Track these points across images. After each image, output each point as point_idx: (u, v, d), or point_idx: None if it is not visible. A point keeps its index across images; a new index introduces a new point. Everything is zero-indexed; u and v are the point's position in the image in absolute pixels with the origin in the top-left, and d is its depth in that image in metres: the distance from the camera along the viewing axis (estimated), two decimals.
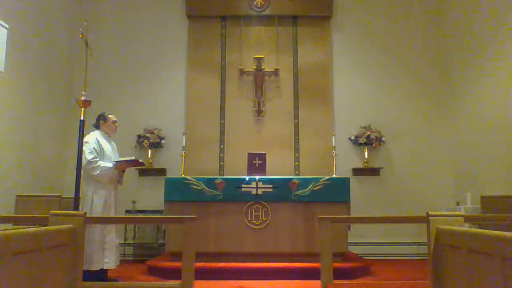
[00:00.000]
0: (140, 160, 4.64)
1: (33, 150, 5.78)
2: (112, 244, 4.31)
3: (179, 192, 5.07)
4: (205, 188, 5.05)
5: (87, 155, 4.27)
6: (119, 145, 4.99)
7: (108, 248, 4.25)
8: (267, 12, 7.00)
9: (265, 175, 5.25)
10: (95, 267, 4.13)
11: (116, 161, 4.46)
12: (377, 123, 6.81)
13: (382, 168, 6.74)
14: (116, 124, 4.69)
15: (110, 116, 4.63)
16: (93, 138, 4.43)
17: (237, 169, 6.38)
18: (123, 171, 4.62)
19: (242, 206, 5.03)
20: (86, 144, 4.32)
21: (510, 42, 5.29)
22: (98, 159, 4.33)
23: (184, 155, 5.87)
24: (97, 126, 4.62)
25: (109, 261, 4.24)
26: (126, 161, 4.55)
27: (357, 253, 5.92)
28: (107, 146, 4.53)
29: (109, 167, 4.36)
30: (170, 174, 6.56)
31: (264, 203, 5.03)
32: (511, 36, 5.29)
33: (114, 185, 4.50)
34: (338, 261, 4.65)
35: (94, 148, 4.34)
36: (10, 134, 5.31)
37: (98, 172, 4.28)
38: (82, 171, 4.36)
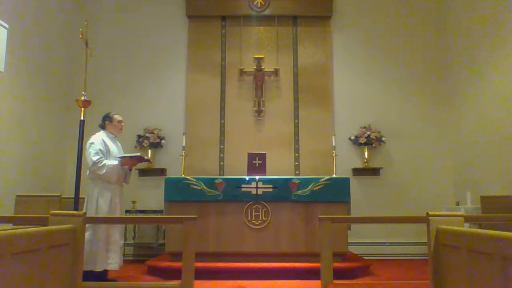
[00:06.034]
0: (146, 158, 4.65)
1: (33, 150, 5.78)
2: (116, 245, 4.31)
3: (179, 192, 5.06)
4: (205, 188, 5.05)
5: (93, 156, 4.29)
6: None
7: (112, 249, 4.26)
8: (267, 12, 7.00)
9: (265, 175, 5.24)
10: (99, 268, 4.13)
11: (121, 157, 4.47)
12: (377, 123, 6.81)
13: (382, 168, 6.74)
14: (122, 124, 4.72)
15: (115, 116, 4.66)
16: (99, 139, 4.44)
17: (237, 169, 6.38)
18: (130, 169, 4.63)
19: (242, 206, 5.03)
20: (92, 145, 4.34)
21: (510, 42, 5.29)
22: (103, 158, 4.34)
23: (184, 155, 5.87)
24: (103, 127, 4.64)
25: (112, 262, 4.24)
26: (131, 157, 4.55)
27: (357, 253, 5.92)
28: (112, 146, 4.54)
29: (115, 165, 4.37)
30: (170, 174, 6.56)
31: (264, 203, 5.03)
32: (511, 36, 5.29)
33: (120, 184, 4.51)
34: (338, 261, 4.65)
35: (100, 149, 4.35)
36: (10, 134, 5.31)
37: (104, 171, 4.29)
38: (87, 172, 4.38)
